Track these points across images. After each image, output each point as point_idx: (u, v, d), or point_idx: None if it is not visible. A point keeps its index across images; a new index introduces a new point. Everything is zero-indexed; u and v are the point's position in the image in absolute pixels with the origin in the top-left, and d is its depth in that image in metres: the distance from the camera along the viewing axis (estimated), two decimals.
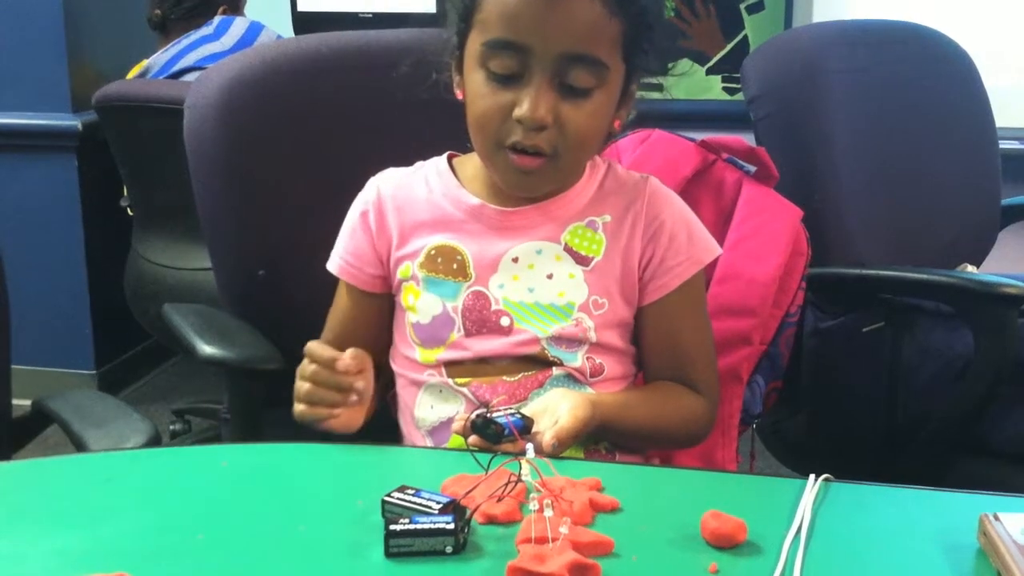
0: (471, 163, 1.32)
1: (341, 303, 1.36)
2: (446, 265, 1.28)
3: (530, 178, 1.23)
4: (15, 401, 1.54)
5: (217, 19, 2.90)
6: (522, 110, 1.17)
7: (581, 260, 1.28)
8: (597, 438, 1.24)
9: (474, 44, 1.21)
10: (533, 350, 1.25)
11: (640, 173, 1.34)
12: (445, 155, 1.35)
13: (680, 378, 1.30)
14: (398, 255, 1.31)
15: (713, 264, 1.51)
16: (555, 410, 1.15)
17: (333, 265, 1.35)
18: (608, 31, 1.18)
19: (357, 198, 1.35)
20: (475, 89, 1.21)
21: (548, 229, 1.28)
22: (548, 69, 1.17)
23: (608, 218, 1.29)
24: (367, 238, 1.32)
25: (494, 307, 1.26)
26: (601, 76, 1.19)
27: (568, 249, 1.28)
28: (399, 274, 1.30)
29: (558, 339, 1.26)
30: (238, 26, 2.89)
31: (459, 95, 1.27)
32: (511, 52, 1.17)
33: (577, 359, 1.26)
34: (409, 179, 1.34)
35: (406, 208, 1.31)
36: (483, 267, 1.27)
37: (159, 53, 2.88)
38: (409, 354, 1.30)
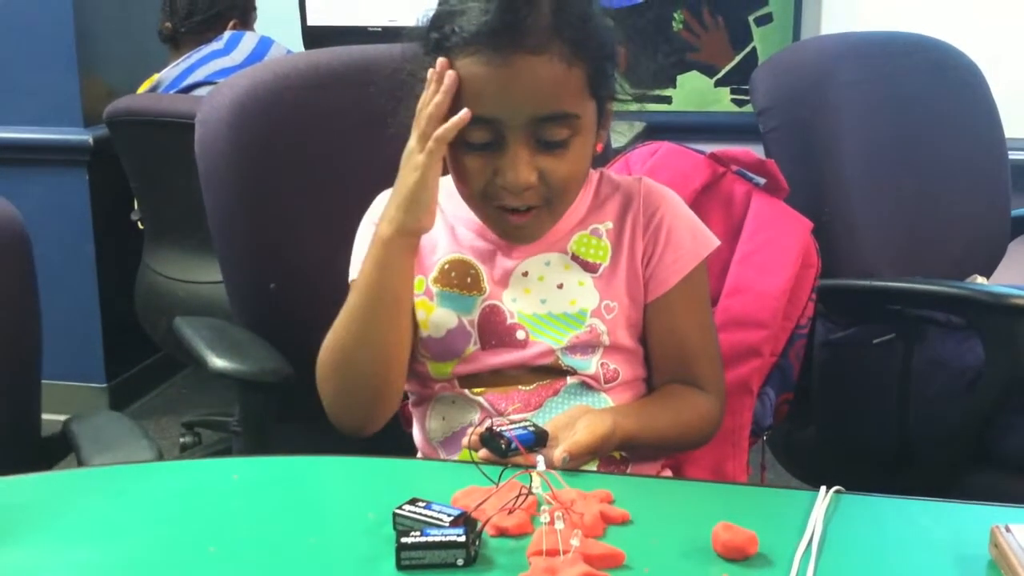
0: None
1: None
2: (460, 279, 1.28)
3: (525, 230, 1.26)
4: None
5: (227, 34, 2.91)
6: (505, 179, 1.19)
7: (589, 268, 1.29)
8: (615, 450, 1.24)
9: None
10: (547, 361, 1.26)
11: (634, 176, 1.36)
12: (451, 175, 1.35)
13: (685, 375, 1.31)
14: None
15: (723, 277, 1.51)
16: (575, 425, 1.16)
17: None
18: (572, 82, 1.19)
19: (368, 215, 1.35)
20: (455, 160, 1.23)
21: (554, 241, 1.29)
22: (522, 134, 1.18)
23: (610, 224, 1.30)
24: None
25: (509, 321, 1.27)
26: (575, 126, 1.20)
27: (575, 258, 1.29)
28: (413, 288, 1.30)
29: (572, 348, 1.26)
30: (248, 41, 2.90)
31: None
32: (481, 126, 1.18)
33: (591, 366, 1.27)
34: None
35: None
36: (495, 283, 1.28)
37: (169, 67, 2.89)
38: (418, 369, 1.30)
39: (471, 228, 1.30)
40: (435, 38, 1.21)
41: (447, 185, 1.33)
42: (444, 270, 1.29)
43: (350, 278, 1.33)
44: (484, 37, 1.16)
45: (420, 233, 1.23)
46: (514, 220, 1.23)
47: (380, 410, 1.26)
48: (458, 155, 1.22)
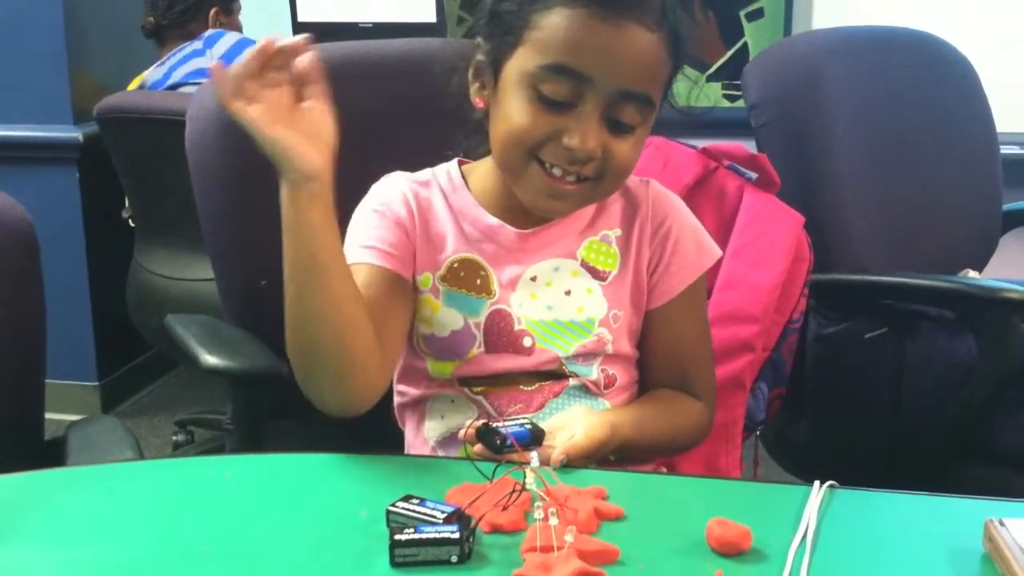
0: (482, 174, 1.29)
1: (371, 294, 1.20)
2: (470, 280, 1.25)
3: (562, 202, 1.21)
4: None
5: (208, 32, 2.89)
6: (573, 141, 1.15)
7: (598, 275, 1.27)
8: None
9: (523, 62, 1.17)
10: (551, 367, 1.25)
11: (640, 177, 1.33)
12: (455, 162, 1.32)
13: (680, 381, 1.30)
14: (419, 262, 1.26)
15: (715, 271, 1.51)
16: (572, 427, 1.15)
17: (369, 256, 1.22)
18: (663, 71, 1.19)
19: (374, 193, 1.28)
20: (515, 107, 1.17)
21: (564, 245, 1.27)
22: (602, 102, 1.15)
23: (619, 231, 1.29)
24: (402, 228, 1.25)
25: (517, 327, 1.24)
26: (647, 116, 1.19)
27: (585, 265, 1.27)
28: (419, 283, 1.26)
29: (577, 356, 1.25)
30: (225, 41, 2.86)
31: (479, 103, 1.24)
32: (568, 79, 1.14)
33: (593, 372, 1.26)
34: (426, 188, 1.29)
35: (426, 215, 1.27)
36: (503, 286, 1.26)
37: (153, 68, 2.88)
38: (417, 364, 1.28)
39: (479, 227, 1.27)
40: None
41: (452, 175, 1.30)
42: (453, 268, 1.25)
43: (359, 258, 1.24)
44: None
45: (309, 177, 1.10)
46: (561, 186, 1.18)
47: (352, 383, 1.14)
48: (522, 102, 1.17)
